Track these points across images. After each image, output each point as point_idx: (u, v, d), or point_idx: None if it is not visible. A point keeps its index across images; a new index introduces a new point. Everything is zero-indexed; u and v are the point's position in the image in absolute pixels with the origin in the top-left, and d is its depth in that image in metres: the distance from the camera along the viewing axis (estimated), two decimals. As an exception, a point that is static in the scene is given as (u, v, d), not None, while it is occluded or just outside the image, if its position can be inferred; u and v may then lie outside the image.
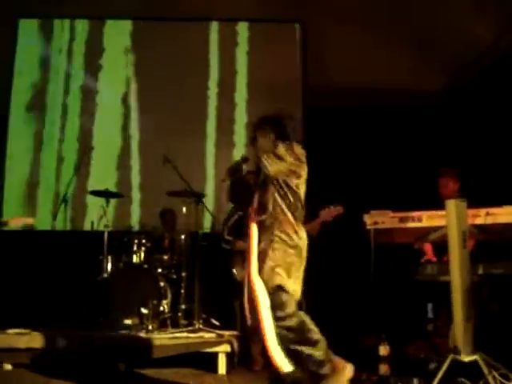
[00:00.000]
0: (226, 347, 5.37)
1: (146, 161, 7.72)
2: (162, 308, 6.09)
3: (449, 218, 4.26)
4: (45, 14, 7.96)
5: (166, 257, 6.41)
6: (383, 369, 4.93)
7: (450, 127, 7.38)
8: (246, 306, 4.05)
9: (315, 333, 4.00)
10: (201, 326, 5.86)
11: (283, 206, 4.06)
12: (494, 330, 4.65)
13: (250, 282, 4.00)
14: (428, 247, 5.46)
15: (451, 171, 5.58)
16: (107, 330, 5.83)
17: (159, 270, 6.26)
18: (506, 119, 6.58)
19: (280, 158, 4.04)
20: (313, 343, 3.96)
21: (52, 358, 5.26)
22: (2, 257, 6.97)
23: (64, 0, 7.66)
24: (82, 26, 8.02)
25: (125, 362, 5.32)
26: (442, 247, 4.81)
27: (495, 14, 6.75)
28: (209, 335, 5.52)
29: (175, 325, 6.01)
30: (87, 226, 7.37)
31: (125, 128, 7.86)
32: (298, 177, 4.16)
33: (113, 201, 6.74)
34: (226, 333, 5.66)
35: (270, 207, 4.06)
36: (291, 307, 3.96)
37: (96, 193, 6.83)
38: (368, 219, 4.88)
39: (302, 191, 4.18)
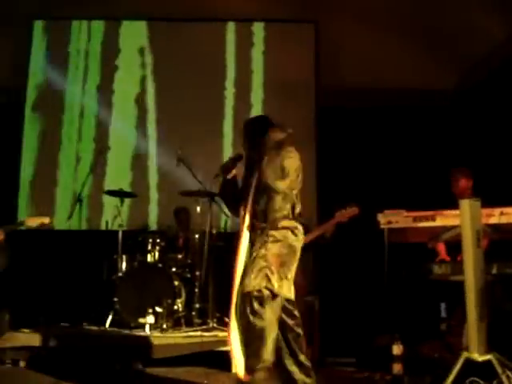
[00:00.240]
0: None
1: (161, 160, 7.74)
2: (176, 307, 6.13)
3: (463, 218, 4.25)
4: (59, 16, 8.02)
5: (180, 256, 6.45)
6: (396, 368, 4.94)
7: (461, 126, 7.36)
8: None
9: (267, 359, 3.78)
10: (215, 325, 5.90)
11: (282, 209, 4.03)
12: (507, 330, 4.64)
13: (233, 282, 3.95)
14: (441, 247, 5.45)
15: (464, 170, 5.57)
16: (122, 329, 5.90)
17: (173, 269, 6.30)
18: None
19: (285, 175, 3.99)
20: (257, 358, 3.76)
21: (63, 356, 5.33)
22: (19, 256, 7.02)
23: (79, 1, 7.71)
24: (98, 26, 8.06)
25: (139, 360, 5.36)
26: (455, 247, 4.80)
27: (506, 13, 6.73)
28: (223, 334, 5.51)
29: (189, 324, 6.05)
30: (102, 226, 7.44)
31: (141, 128, 7.89)
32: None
33: (127, 200, 6.78)
34: (240, 332, 5.68)
35: (271, 217, 3.99)
36: (270, 310, 3.80)
37: (111, 192, 6.89)
38: (382, 219, 4.87)
39: (299, 188, 4.16)
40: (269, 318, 3.78)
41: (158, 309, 5.93)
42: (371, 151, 7.56)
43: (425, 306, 5.67)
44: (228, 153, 7.74)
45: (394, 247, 4.95)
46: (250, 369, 3.78)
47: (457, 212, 4.37)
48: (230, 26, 8.10)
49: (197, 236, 6.43)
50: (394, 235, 4.88)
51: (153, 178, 7.70)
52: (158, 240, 6.42)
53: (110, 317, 6.06)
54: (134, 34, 8.06)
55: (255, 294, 3.80)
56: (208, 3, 7.70)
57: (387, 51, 7.64)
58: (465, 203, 4.26)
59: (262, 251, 3.89)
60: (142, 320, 5.86)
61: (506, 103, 6.76)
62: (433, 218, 4.67)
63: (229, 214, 6.98)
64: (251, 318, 3.79)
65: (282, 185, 3.98)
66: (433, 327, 5.50)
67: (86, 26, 8.07)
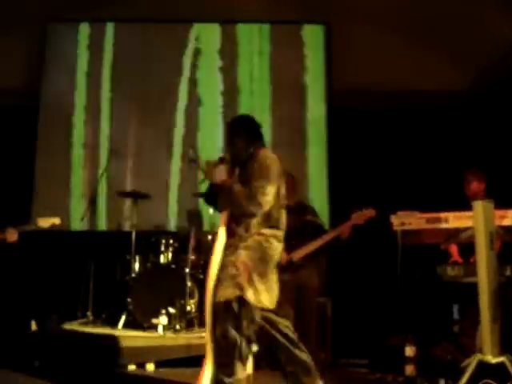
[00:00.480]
0: (253, 348, 5.40)
1: (175, 161, 7.75)
2: (189, 308, 6.15)
3: (476, 219, 4.26)
4: (73, 18, 8.06)
5: (193, 257, 6.46)
6: (409, 370, 4.94)
7: (475, 127, 7.33)
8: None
9: (238, 371, 3.65)
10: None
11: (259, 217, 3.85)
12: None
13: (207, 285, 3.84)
14: (454, 248, 5.45)
15: (476, 172, 5.56)
16: (135, 330, 5.93)
17: (186, 270, 6.30)
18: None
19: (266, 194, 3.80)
20: (226, 372, 3.63)
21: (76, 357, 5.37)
22: (32, 257, 7.09)
23: (93, 4, 7.76)
24: (110, 28, 8.08)
25: (152, 361, 5.40)
26: (468, 248, 4.81)
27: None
28: (235, 335, 5.54)
29: (202, 324, 6.06)
30: (115, 227, 7.50)
31: (155, 128, 7.88)
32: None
33: (141, 201, 6.80)
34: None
35: (245, 223, 3.83)
36: (242, 321, 3.67)
37: (124, 194, 6.93)
38: (395, 220, 4.87)
39: (281, 195, 4.00)
40: (240, 329, 3.66)
41: (170, 309, 5.96)
42: (383, 153, 7.54)
43: (437, 308, 5.66)
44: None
45: (407, 248, 4.95)
46: (216, 382, 3.64)
47: (470, 214, 4.37)
48: (242, 28, 8.08)
49: (210, 237, 6.45)
50: (408, 237, 4.88)
51: (166, 179, 7.71)
52: (171, 241, 6.46)
53: (124, 317, 6.09)
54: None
55: (227, 303, 3.67)
56: (220, 4, 7.73)
57: (399, 52, 7.64)
58: (478, 205, 4.26)
59: (232, 258, 3.76)
60: (155, 321, 5.88)
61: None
62: (446, 220, 4.66)
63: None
64: (221, 329, 3.66)
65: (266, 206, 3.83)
66: (445, 329, 5.50)
67: (99, 28, 8.08)
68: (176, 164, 7.70)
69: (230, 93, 7.94)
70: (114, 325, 6.07)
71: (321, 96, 7.88)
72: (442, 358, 5.18)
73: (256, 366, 5.30)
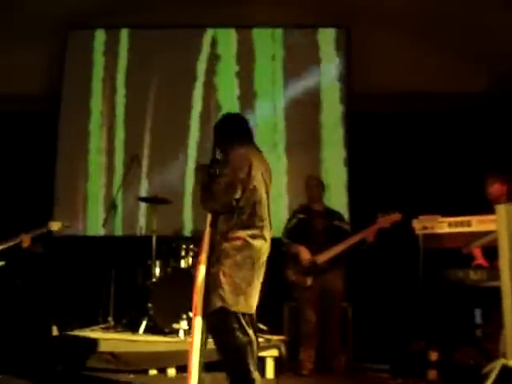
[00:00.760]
0: (274, 352, 5.41)
1: (190, 166, 7.74)
2: (209, 312, 6.14)
3: (499, 223, 4.23)
4: (93, 25, 8.12)
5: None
6: (432, 375, 4.92)
7: (495, 129, 7.28)
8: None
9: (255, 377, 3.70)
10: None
11: (230, 218, 3.82)
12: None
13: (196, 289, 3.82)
14: (477, 251, 5.41)
15: (498, 175, 5.53)
16: (155, 335, 5.95)
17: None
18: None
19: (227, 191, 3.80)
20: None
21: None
22: (54, 262, 7.14)
23: (112, 11, 7.82)
24: (125, 34, 8.11)
25: (173, 366, 5.41)
26: (491, 251, 4.77)
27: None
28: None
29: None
30: (136, 232, 7.53)
31: (176, 134, 7.91)
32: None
33: (161, 206, 6.82)
34: (274, 337, 5.71)
35: (220, 228, 3.82)
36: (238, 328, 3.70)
37: (144, 199, 6.96)
38: (417, 224, 4.85)
39: (260, 193, 3.89)
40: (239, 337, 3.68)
41: (191, 314, 5.95)
42: (403, 156, 7.49)
43: (460, 312, 5.63)
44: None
45: (429, 252, 4.92)
46: None
47: (493, 217, 4.35)
48: (258, 32, 8.06)
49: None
50: (429, 241, 4.85)
51: (186, 184, 7.71)
52: (192, 246, 6.46)
53: (144, 322, 6.10)
54: (167, 41, 8.06)
55: (214, 314, 3.71)
56: (234, 10, 7.74)
57: (416, 55, 7.61)
58: (501, 208, 4.24)
59: (215, 269, 3.75)
60: (175, 325, 5.88)
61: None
62: (469, 224, 4.64)
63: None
64: (223, 342, 3.75)
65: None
66: (468, 333, 5.47)
67: (115, 34, 8.12)
68: (191, 169, 7.70)
69: (247, 97, 7.93)
70: (135, 330, 6.07)
71: (338, 99, 7.85)
72: (465, 363, 5.14)
73: (279, 370, 5.34)
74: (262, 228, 3.84)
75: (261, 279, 3.88)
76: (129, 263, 6.79)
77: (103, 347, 5.52)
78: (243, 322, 3.70)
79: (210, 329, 3.80)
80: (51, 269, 7.15)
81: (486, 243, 4.76)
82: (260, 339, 5.47)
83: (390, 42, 7.66)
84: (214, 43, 8.05)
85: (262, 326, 6.01)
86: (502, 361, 4.16)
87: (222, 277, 3.70)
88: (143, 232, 6.53)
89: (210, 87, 7.98)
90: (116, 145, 7.90)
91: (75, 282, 7.14)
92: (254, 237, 3.79)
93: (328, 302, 5.78)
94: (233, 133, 4.08)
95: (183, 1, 7.75)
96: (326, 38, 8.01)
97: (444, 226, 4.75)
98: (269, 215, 3.96)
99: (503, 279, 4.17)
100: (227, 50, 8.03)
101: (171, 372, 5.40)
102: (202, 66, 8.02)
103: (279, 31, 8.03)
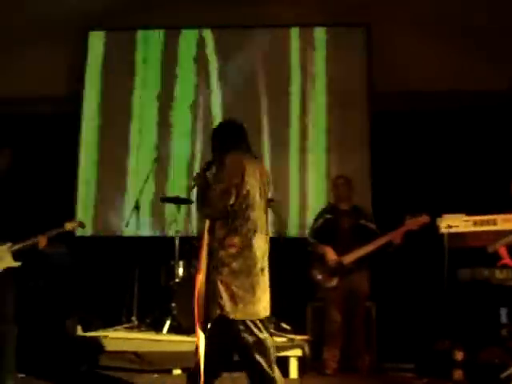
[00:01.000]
0: (298, 351, 5.40)
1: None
2: (232, 312, 6.15)
3: (525, 222, 4.20)
4: (114, 26, 8.17)
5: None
6: (457, 374, 4.88)
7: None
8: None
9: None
10: (271, 331, 5.88)
11: (225, 224, 3.82)
12: None
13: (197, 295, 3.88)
14: (503, 250, 5.35)
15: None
16: (178, 334, 5.96)
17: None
18: None
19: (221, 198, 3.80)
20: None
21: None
22: (78, 262, 7.19)
23: (133, 11, 7.86)
24: (155, 35, 8.13)
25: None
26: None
27: None
28: (280, 339, 5.51)
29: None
30: (159, 232, 7.57)
31: (197, 135, 7.90)
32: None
33: (184, 207, 6.83)
34: (297, 337, 5.70)
35: (217, 235, 3.84)
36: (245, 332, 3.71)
37: (167, 199, 6.98)
38: (441, 223, 4.83)
39: (253, 197, 3.88)
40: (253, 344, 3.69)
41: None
42: (426, 155, 7.43)
43: (485, 311, 5.58)
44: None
45: (453, 251, 4.89)
46: None
47: (519, 216, 4.31)
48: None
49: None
50: (454, 240, 4.82)
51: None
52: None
53: (168, 322, 6.12)
54: (192, 42, 8.06)
55: (215, 322, 3.75)
56: (261, 10, 7.75)
57: (438, 53, 7.56)
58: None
59: (213, 277, 3.77)
60: (199, 325, 5.89)
61: None
62: (494, 222, 4.61)
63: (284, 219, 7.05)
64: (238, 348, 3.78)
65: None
66: (493, 333, 5.42)
67: (141, 35, 8.15)
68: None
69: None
70: (159, 330, 6.10)
71: (362, 98, 7.82)
72: (490, 362, 5.10)
73: (302, 370, 5.33)
74: (255, 232, 3.84)
75: (263, 285, 3.86)
76: (152, 263, 6.81)
77: (127, 347, 5.56)
78: (249, 324, 3.71)
79: (214, 335, 3.80)
80: (75, 269, 7.20)
81: (511, 242, 4.72)
82: (283, 339, 5.54)
83: (411, 41, 7.62)
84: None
85: (285, 326, 6.02)
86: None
87: (220, 285, 3.74)
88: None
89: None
90: (140, 145, 7.93)
91: (99, 282, 7.19)
92: (248, 243, 3.80)
93: (353, 303, 5.77)
94: (229, 139, 4.07)
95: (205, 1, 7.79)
96: (350, 37, 7.96)
97: (469, 224, 4.73)
98: (266, 219, 3.98)
99: (529, 278, 4.13)
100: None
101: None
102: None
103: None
